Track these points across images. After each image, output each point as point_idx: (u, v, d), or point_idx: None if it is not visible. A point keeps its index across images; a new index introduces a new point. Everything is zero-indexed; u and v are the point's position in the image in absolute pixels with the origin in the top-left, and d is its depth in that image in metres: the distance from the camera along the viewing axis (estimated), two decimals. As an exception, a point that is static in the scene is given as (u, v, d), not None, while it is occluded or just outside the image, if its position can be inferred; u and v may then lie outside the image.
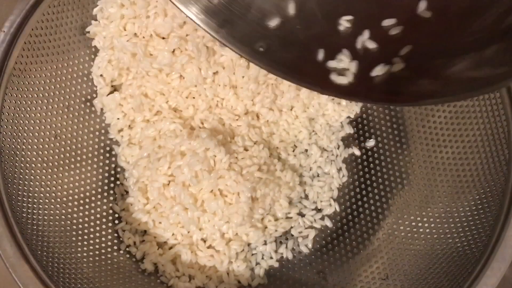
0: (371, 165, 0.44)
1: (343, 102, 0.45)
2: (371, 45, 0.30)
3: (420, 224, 0.39)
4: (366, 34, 0.30)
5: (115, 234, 0.39)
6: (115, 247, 0.39)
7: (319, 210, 0.43)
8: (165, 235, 0.39)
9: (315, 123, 0.45)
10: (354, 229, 0.42)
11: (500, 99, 0.36)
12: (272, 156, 0.43)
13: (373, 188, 0.43)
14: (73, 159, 0.40)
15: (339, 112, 0.45)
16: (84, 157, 0.41)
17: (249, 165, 0.40)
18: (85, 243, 0.36)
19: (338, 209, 0.43)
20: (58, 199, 0.36)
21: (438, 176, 0.39)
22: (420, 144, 0.42)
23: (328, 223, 0.42)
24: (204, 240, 0.40)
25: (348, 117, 0.46)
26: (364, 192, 0.43)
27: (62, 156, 0.39)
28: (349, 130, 0.46)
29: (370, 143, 0.45)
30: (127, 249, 0.39)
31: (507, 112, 0.35)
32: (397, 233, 0.40)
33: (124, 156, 0.43)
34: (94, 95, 0.43)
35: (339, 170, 0.44)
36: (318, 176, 0.45)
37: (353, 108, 0.46)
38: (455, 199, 0.37)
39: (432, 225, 0.38)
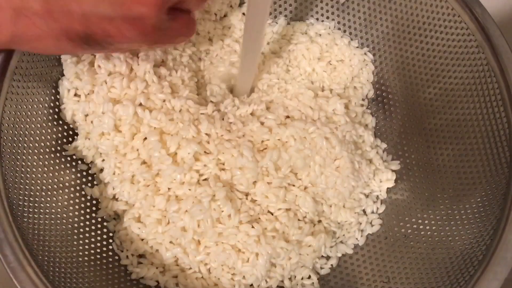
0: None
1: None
2: None
3: (421, 227, 0.39)
4: None
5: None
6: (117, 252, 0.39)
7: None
8: (165, 262, 0.37)
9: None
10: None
11: (501, 101, 0.35)
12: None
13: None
14: (73, 163, 0.40)
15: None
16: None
17: (275, 230, 0.37)
18: (86, 247, 0.36)
19: (338, 210, 0.43)
20: (59, 203, 0.36)
21: (439, 178, 0.39)
22: (420, 145, 0.42)
23: (329, 225, 0.42)
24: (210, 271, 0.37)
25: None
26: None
27: (63, 160, 0.39)
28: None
29: (370, 143, 0.45)
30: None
31: (508, 113, 0.35)
32: (399, 235, 0.40)
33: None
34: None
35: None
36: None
37: (353, 108, 0.46)
38: (457, 202, 0.37)
39: (434, 227, 0.38)
